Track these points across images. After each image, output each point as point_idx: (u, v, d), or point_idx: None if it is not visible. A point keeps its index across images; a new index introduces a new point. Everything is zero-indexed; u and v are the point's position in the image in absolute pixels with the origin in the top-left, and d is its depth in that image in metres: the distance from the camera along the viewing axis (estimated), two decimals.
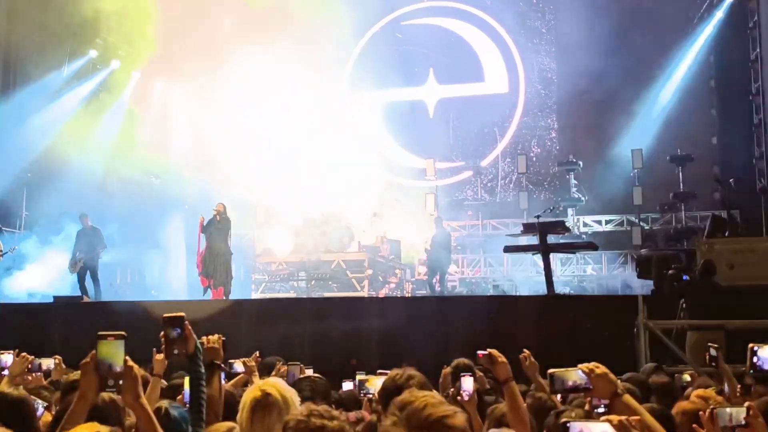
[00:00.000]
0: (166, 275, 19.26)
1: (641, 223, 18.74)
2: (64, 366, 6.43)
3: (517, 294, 16.84)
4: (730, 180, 17.02)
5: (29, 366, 5.96)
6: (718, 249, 11.31)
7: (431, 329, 11.10)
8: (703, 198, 18.25)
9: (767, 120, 17.51)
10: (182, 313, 3.45)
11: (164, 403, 3.92)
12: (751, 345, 4.65)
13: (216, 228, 14.59)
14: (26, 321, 12.46)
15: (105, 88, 20.45)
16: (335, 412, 3.06)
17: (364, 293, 16.71)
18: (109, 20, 18.66)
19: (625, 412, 2.98)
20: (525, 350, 5.47)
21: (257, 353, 6.89)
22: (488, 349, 4.39)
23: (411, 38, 23.02)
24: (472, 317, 11.28)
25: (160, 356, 5.34)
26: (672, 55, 19.95)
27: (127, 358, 3.11)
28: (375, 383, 5.28)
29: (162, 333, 3.42)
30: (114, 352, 3.09)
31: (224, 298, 14.05)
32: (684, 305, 9.74)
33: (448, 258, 16.14)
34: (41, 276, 17.04)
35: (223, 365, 4.42)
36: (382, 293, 17.17)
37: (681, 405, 4.42)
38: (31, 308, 13.94)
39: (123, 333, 3.16)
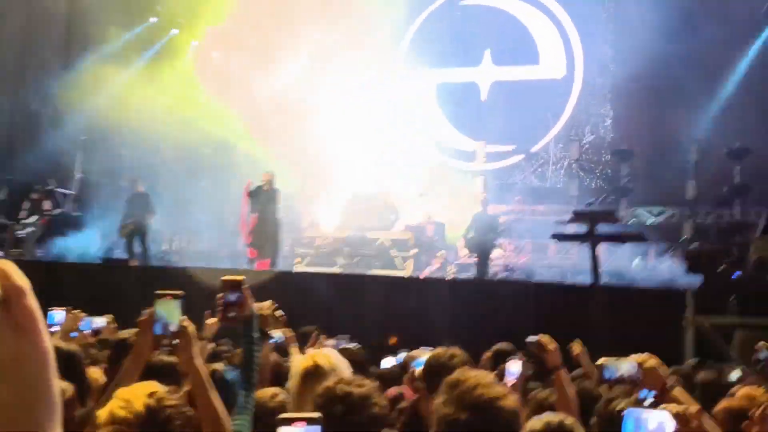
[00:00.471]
0: (216, 243, 19.47)
1: (693, 217, 18.41)
2: (114, 324, 6.56)
3: (563, 282, 16.68)
4: None
5: (80, 323, 6.10)
6: None
7: (471, 313, 11.06)
8: (759, 193, 17.85)
9: None
10: (242, 277, 3.48)
11: (219, 366, 3.96)
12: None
13: (266, 197, 14.65)
14: (76, 280, 12.68)
15: (163, 55, 20.65)
16: (365, 381, 3.06)
17: (407, 273, 16.71)
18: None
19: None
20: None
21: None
22: (539, 335, 4.36)
23: (469, 18, 22.85)
24: (514, 303, 11.22)
25: (212, 320, 5.41)
26: (735, 48, 19.48)
27: (184, 317, 3.14)
28: (422, 359, 5.28)
29: (219, 295, 3.45)
30: (171, 310, 3.12)
31: (270, 269, 14.17)
32: (734, 302, 9.56)
33: (491, 241, 15.69)
34: (93, 238, 17.33)
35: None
36: (424, 274, 17.15)
37: (726, 402, 4.33)
38: (81, 268, 14.18)
39: (181, 292, 3.19)
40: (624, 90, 20.94)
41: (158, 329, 3.10)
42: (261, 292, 11.02)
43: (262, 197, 14.68)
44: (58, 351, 4.00)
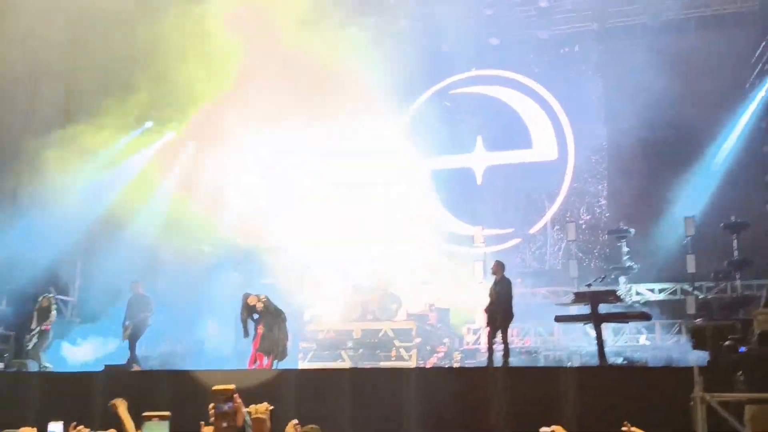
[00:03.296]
0: (216, 342, 19.32)
1: (695, 292, 18.36)
2: None
3: (569, 365, 16.52)
4: None
5: None
6: None
7: (478, 401, 10.92)
8: (758, 266, 17.85)
9: None
10: (232, 386, 3.46)
11: None
12: None
13: (272, 317, 14.55)
14: (77, 390, 12.55)
15: (159, 158, 20.88)
16: None
17: (412, 363, 16.55)
18: (162, 92, 19.17)
19: None
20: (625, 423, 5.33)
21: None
22: (552, 427, 4.32)
23: (459, 106, 23.25)
24: (522, 388, 11.09)
25: (208, 428, 5.34)
26: (724, 122, 19.78)
27: None
28: None
29: (211, 405, 3.42)
30: (159, 431, 3.10)
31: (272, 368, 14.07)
32: (742, 377, 9.44)
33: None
34: (96, 345, 17.25)
35: None
36: (430, 363, 16.99)
37: None
38: (82, 377, 14.03)
39: (167, 414, 3.17)
40: (617, 168, 21.20)
41: None
42: (264, 391, 10.88)
43: (265, 318, 14.59)
44: None
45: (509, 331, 14.20)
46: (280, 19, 18.43)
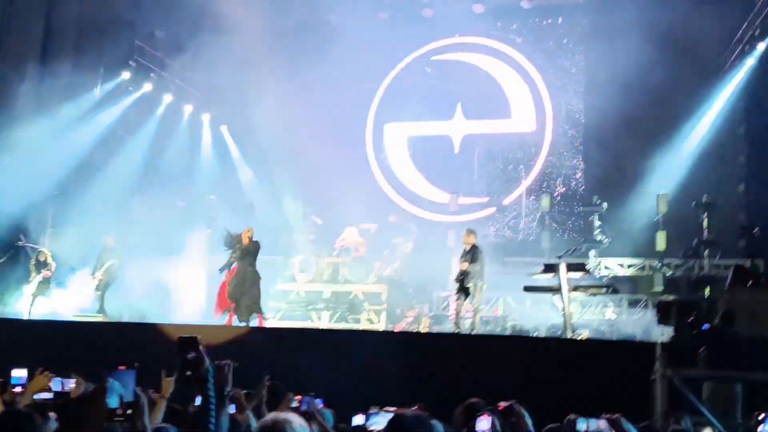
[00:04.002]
0: (185, 296, 19.31)
1: (664, 269, 18.57)
2: (83, 385, 6.46)
3: (535, 335, 16.70)
4: (755, 229, 16.85)
5: (49, 383, 6.02)
6: (740, 298, 11.17)
7: (445, 367, 11.02)
8: (727, 246, 18.07)
9: None
10: (196, 335, 3.47)
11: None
12: (758, 412, 4.55)
13: (244, 251, 14.60)
14: (45, 339, 12.51)
15: (135, 110, 20.66)
16: None
17: (381, 326, 16.67)
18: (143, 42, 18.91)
19: None
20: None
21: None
22: (510, 401, 4.36)
23: (440, 73, 23.17)
24: (487, 357, 11.20)
25: (168, 379, 5.36)
26: (702, 101, 19.85)
27: (138, 389, 3.13)
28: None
29: (176, 354, 3.43)
30: (125, 382, 3.11)
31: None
32: (704, 355, 9.60)
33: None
34: (67, 296, 17.19)
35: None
36: (399, 327, 17.11)
37: None
38: (51, 326, 13.99)
39: (135, 364, 3.18)
40: (594, 142, 21.25)
41: (113, 402, 3.08)
42: (231, 347, 10.90)
43: (239, 251, 14.63)
44: (13, 413, 3.99)
45: (480, 299, 14.24)
46: None
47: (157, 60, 20.90)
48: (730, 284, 12.68)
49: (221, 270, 14.88)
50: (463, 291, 14.00)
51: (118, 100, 20.21)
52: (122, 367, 3.06)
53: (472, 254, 14.03)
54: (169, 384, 5.31)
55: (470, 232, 14.39)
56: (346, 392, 10.05)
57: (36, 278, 16.01)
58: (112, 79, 20.03)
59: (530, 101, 22.78)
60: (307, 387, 7.35)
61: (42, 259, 16.23)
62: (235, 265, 14.72)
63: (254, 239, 14.77)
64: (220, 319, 14.89)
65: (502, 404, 4.40)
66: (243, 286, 14.51)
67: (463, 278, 13.95)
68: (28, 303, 15.90)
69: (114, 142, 19.55)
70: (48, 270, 16.08)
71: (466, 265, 13.92)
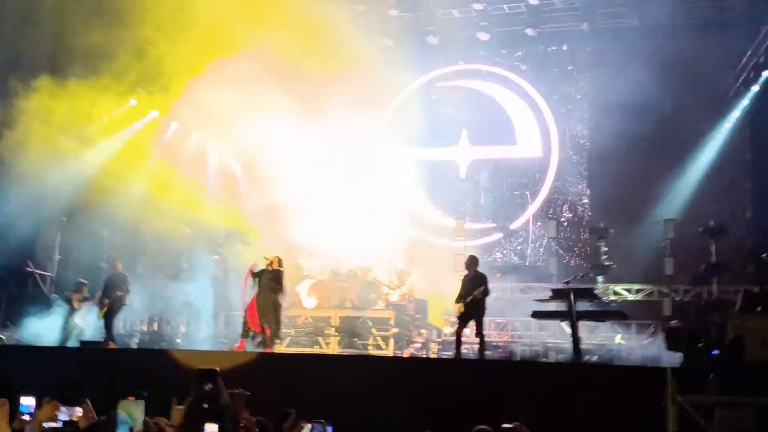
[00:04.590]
0: (192, 324, 19.33)
1: (672, 294, 18.53)
2: (91, 414, 6.46)
3: (545, 360, 16.65)
4: (764, 254, 16.81)
5: (57, 412, 6.01)
6: (750, 324, 11.12)
7: (453, 392, 10.98)
8: (735, 271, 18.04)
9: None
10: (216, 368, 3.47)
11: None
12: None
13: (266, 278, 14.47)
14: (51, 365, 12.50)
15: (143, 136, 20.78)
16: None
17: (389, 352, 16.62)
18: (151, 69, 19.02)
19: None
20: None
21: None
22: (515, 423, 4.36)
23: (445, 99, 23.31)
24: (497, 382, 11.16)
25: (179, 407, 5.36)
26: (708, 127, 19.93)
27: (147, 419, 3.14)
28: None
29: (194, 386, 3.43)
30: (134, 411, 3.12)
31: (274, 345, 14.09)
32: (713, 380, 9.56)
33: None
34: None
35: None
36: (407, 353, 17.07)
37: None
38: (57, 353, 13.99)
39: (144, 393, 3.19)
40: (600, 168, 21.32)
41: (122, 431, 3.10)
42: (242, 373, 10.86)
43: (263, 278, 14.51)
44: None
45: (484, 324, 14.13)
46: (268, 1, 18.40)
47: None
48: (740, 310, 12.65)
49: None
50: (465, 316, 13.85)
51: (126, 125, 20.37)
52: (131, 398, 3.07)
53: (474, 280, 13.90)
54: (179, 413, 5.31)
55: (472, 258, 14.31)
56: (355, 418, 10.05)
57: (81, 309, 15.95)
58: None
59: (535, 127, 22.87)
60: (318, 414, 7.35)
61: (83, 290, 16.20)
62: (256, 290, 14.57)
63: (279, 267, 14.59)
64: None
65: (506, 426, 4.39)
66: (268, 312, 14.39)
67: (463, 302, 13.80)
68: (74, 333, 15.86)
69: (124, 167, 19.62)
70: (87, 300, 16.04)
71: (464, 290, 13.80)
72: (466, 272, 14.09)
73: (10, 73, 18.52)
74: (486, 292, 13.78)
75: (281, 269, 14.43)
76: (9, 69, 18.72)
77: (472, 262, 14.18)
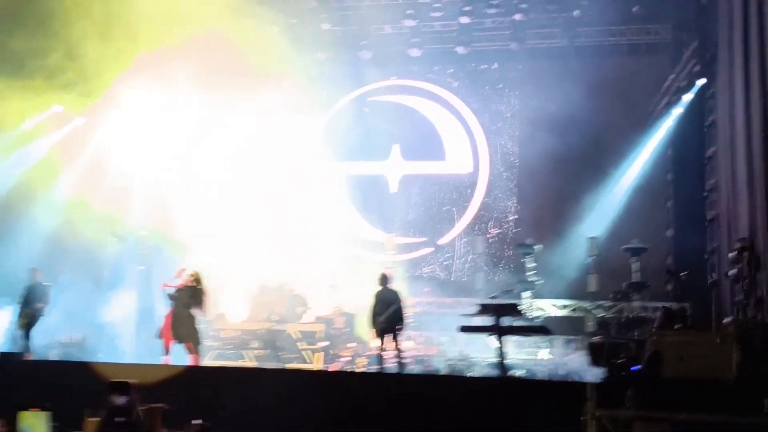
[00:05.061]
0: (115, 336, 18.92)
1: (594, 311, 18.90)
2: (4, 428, 6.29)
3: (470, 375, 16.76)
4: (683, 273, 17.30)
5: None
6: (668, 341, 11.39)
7: (382, 408, 10.98)
8: (655, 289, 18.49)
9: (720, 216, 17.80)
10: (128, 381, 3.40)
11: None
12: None
13: (183, 294, 14.34)
14: None
15: (65, 143, 20.30)
16: None
17: (317, 366, 16.54)
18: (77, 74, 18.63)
19: None
20: None
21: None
22: None
23: (377, 114, 23.38)
24: (424, 396, 11.20)
25: (92, 419, 5.25)
26: (633, 146, 20.39)
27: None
28: None
29: (106, 398, 3.36)
30: (37, 424, 3.03)
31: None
32: (632, 395, 9.76)
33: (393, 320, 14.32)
34: None
35: None
36: (334, 367, 17.00)
37: None
38: None
39: (48, 405, 3.10)
40: (529, 185, 21.65)
41: None
42: (166, 387, 10.66)
43: (183, 293, 14.37)
44: None
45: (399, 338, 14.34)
46: (201, 5, 18.20)
47: None
48: (658, 326, 12.97)
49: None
50: (381, 330, 14.07)
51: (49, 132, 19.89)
52: (36, 409, 2.99)
53: (388, 294, 14.16)
54: (93, 425, 5.20)
55: (384, 275, 14.58)
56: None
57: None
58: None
59: (466, 144, 23.12)
60: (239, 427, 7.27)
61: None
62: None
63: (198, 285, 14.47)
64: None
65: None
66: (181, 327, 14.26)
67: (393, 319, 14.06)
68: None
69: (46, 174, 19.17)
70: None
71: (376, 304, 14.07)
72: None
73: None
74: (399, 311, 14.18)
75: (199, 286, 14.34)
76: None
77: (382, 278, 14.51)
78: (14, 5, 18.32)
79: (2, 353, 14.77)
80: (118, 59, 18.10)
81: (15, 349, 15.30)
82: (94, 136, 20.70)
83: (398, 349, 14.19)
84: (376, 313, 14.16)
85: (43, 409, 3.00)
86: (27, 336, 15.33)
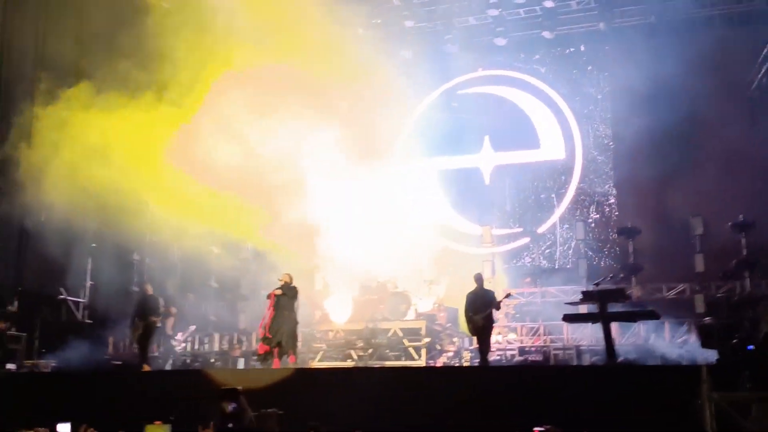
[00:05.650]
0: (225, 344, 19.41)
1: (704, 291, 18.33)
2: None
3: (577, 363, 16.56)
4: None
5: None
6: None
7: (486, 400, 10.96)
8: (767, 265, 17.81)
9: None
10: (238, 387, 3.50)
11: None
12: None
13: (283, 297, 14.71)
14: (86, 390, 12.62)
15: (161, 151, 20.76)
16: None
17: (422, 362, 16.60)
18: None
19: None
20: None
21: None
22: (546, 426, 4.36)
23: (466, 107, 23.31)
24: (528, 387, 11.13)
25: (207, 430, 5.41)
26: (730, 121, 19.71)
27: None
28: None
29: (217, 406, 3.47)
30: None
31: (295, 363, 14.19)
32: (748, 376, 9.48)
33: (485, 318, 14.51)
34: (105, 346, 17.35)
35: None
36: (439, 362, 17.03)
37: None
38: (91, 377, 14.11)
39: (171, 417, 3.23)
40: (625, 168, 21.19)
41: None
42: (277, 389, 10.88)
43: (279, 298, 14.73)
44: None
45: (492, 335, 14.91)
46: (286, 13, 18.45)
47: None
48: None
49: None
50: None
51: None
52: (158, 423, 3.11)
53: (490, 299, 14.56)
54: None
55: (479, 275, 15.07)
56: (391, 428, 10.07)
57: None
58: None
59: (558, 130, 22.80)
60: (352, 426, 7.38)
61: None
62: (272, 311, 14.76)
63: (291, 285, 14.87)
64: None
65: (538, 429, 4.40)
66: (281, 332, 14.57)
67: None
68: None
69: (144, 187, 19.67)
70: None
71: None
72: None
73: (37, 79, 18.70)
74: (497, 307, 14.66)
75: (295, 286, 14.67)
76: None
77: (478, 278, 14.86)
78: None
79: (120, 365, 15.34)
80: (210, 73, 18.51)
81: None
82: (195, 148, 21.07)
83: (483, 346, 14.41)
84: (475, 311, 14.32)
85: (165, 421, 3.14)
86: (143, 348, 15.83)
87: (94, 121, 17.95)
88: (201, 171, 19.37)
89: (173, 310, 17.54)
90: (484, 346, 14.44)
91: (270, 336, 14.49)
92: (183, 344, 18.78)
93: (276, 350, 14.45)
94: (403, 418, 10.84)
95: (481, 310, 14.31)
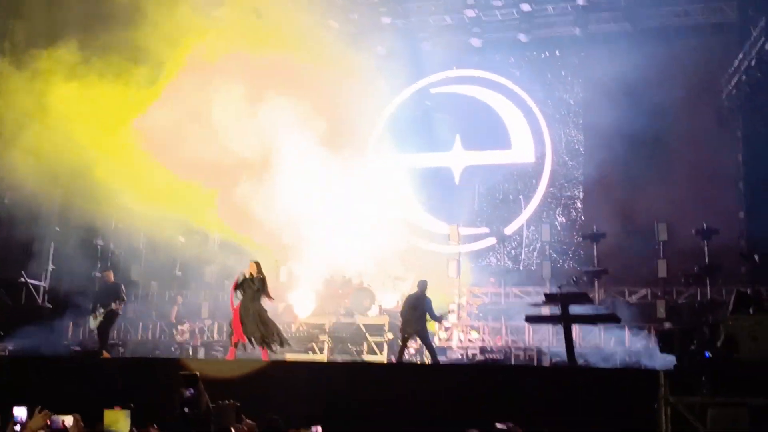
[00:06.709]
0: (186, 333, 19.28)
1: (665, 296, 18.52)
2: (81, 424, 6.45)
3: (539, 364, 16.65)
4: (756, 255, 16.86)
5: (49, 422, 6.01)
6: (742, 324, 11.12)
7: (445, 398, 10.98)
8: (727, 272, 18.05)
9: None
10: (197, 373, 3.48)
11: None
12: None
13: (248, 287, 14.45)
14: (44, 375, 12.46)
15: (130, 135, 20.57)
16: None
17: (383, 358, 16.62)
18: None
19: None
20: None
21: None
22: (507, 424, 4.38)
23: (439, 105, 23.34)
24: (487, 386, 11.16)
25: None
26: (700, 129, 19.95)
27: (133, 429, 3.14)
28: None
29: (176, 391, 3.44)
30: (120, 422, 3.12)
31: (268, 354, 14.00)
32: (706, 381, 9.57)
33: (417, 323, 14.89)
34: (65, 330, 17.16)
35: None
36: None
37: None
38: (49, 363, 13.93)
39: (130, 404, 3.19)
40: (593, 173, 21.33)
41: None
42: (235, 381, 10.80)
43: (245, 286, 14.47)
44: None
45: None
46: (261, 7, 18.37)
47: None
48: (732, 310, 12.65)
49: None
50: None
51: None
52: (117, 408, 3.07)
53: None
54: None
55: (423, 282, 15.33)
56: (349, 424, 10.05)
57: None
58: None
59: (529, 133, 22.91)
60: (310, 420, 7.34)
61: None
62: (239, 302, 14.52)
63: (260, 276, 14.59)
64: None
65: (499, 426, 4.42)
66: (250, 322, 14.29)
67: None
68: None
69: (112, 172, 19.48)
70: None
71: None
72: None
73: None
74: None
75: (262, 275, 14.34)
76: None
77: (420, 284, 15.27)
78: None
79: (80, 353, 15.18)
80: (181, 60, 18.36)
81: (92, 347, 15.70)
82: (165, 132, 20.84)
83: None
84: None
85: (124, 407, 3.09)
86: (103, 335, 15.65)
87: (60, 93, 17.62)
88: (169, 158, 19.23)
89: (179, 299, 17.33)
90: (429, 347, 15.08)
91: (247, 338, 14.16)
92: (186, 334, 18.60)
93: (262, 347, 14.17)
94: (363, 413, 10.81)
95: (413, 316, 14.74)
